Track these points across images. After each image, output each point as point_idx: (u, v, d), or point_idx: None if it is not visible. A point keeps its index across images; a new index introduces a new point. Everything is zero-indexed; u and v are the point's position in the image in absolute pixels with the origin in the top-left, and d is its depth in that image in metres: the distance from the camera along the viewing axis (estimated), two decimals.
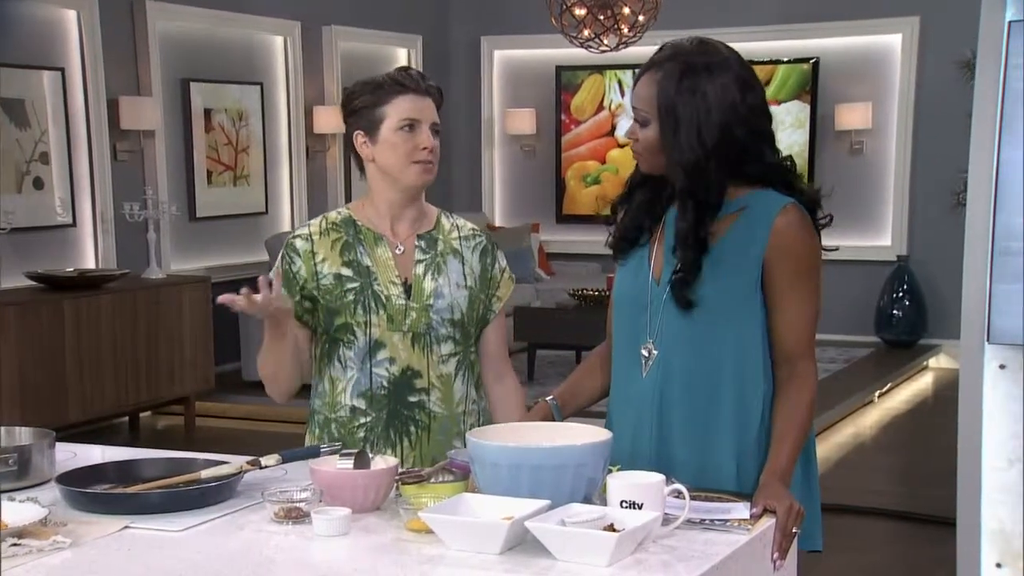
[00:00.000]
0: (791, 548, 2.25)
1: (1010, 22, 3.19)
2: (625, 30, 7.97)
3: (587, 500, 2.16)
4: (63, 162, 7.36)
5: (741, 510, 2.21)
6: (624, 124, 9.97)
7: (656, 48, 2.45)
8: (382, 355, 2.68)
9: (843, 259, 8.45)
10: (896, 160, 9.57)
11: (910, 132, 9.48)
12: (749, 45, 9.31)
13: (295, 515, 2.20)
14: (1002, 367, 3.25)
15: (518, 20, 10.32)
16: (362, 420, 2.70)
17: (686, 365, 2.42)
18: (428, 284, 2.71)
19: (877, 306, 9.56)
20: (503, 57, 10.75)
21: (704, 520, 2.17)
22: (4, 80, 6.95)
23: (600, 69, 10.27)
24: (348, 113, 2.73)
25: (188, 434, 7.40)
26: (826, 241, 2.47)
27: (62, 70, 7.34)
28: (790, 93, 9.77)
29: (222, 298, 2.48)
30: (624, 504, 2.10)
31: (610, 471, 2.20)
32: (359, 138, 2.70)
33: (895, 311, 9.48)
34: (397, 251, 2.72)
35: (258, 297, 2.47)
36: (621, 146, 10.22)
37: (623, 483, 2.13)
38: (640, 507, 2.09)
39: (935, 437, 7.04)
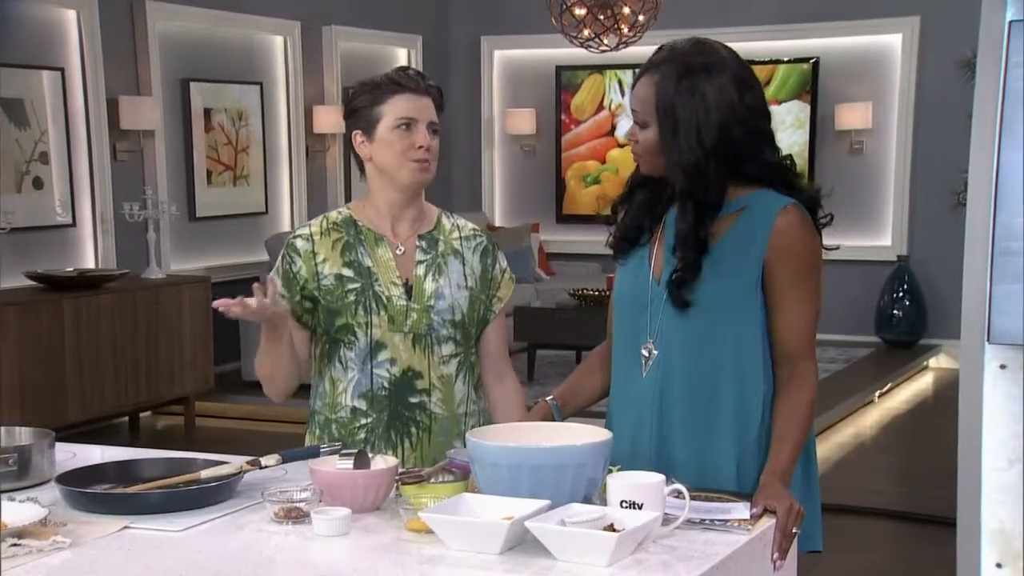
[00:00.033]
0: (791, 548, 2.25)
1: (1010, 22, 3.19)
2: (625, 30, 7.97)
3: (587, 500, 2.15)
4: (63, 162, 7.36)
5: (741, 510, 2.21)
6: (624, 124, 9.97)
7: (655, 49, 2.45)
8: (383, 356, 2.68)
9: (843, 259, 8.48)
10: (896, 160, 9.57)
11: (910, 132, 9.48)
12: (749, 45, 9.31)
13: (295, 515, 2.20)
14: (1002, 367, 3.25)
15: (518, 20, 10.32)
16: (363, 421, 2.70)
17: (686, 365, 2.42)
18: (429, 285, 2.71)
19: (877, 306, 9.56)
20: (503, 57, 10.75)
21: (704, 520, 2.17)
22: (4, 80, 6.95)
23: (600, 69, 10.27)
24: (348, 113, 2.74)
25: (188, 434, 7.39)
26: (826, 240, 2.47)
27: (62, 70, 7.34)
28: (790, 93, 9.77)
29: (217, 303, 2.48)
30: (624, 504, 2.10)
31: (610, 471, 2.20)
32: (357, 137, 2.71)
33: (895, 311, 9.48)
34: (398, 251, 2.72)
35: (252, 301, 2.47)
36: (621, 146, 10.22)
37: (623, 483, 2.13)
38: (640, 507, 2.09)
39: (935, 437, 7.04)
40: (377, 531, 2.17)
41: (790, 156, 2.49)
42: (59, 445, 2.59)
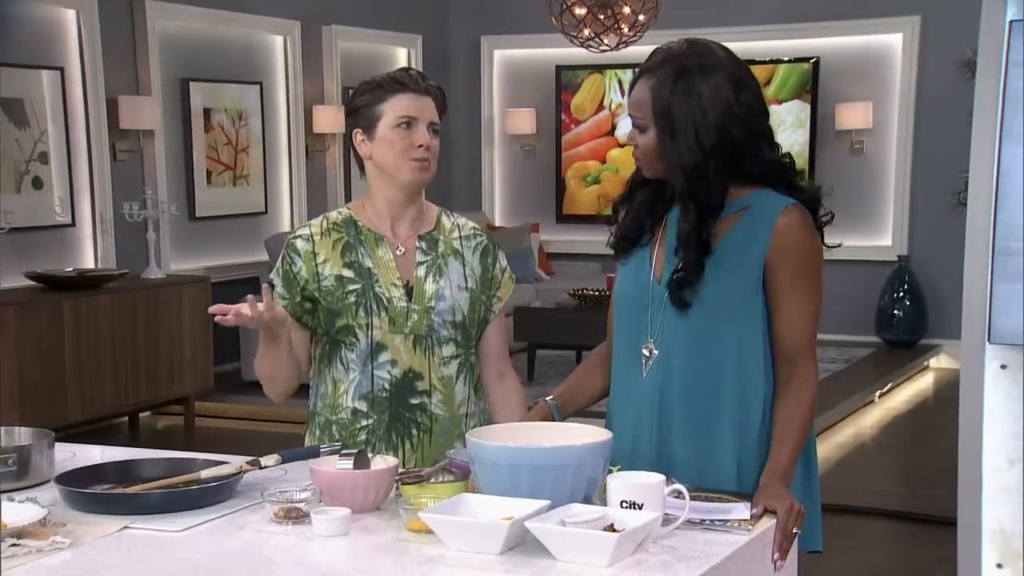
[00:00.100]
0: (791, 548, 2.25)
1: (1011, 22, 3.18)
2: (625, 29, 7.96)
3: (587, 500, 2.15)
4: (62, 162, 7.36)
5: (741, 510, 2.21)
6: (624, 124, 9.96)
7: (649, 53, 2.45)
8: (384, 357, 2.68)
9: (844, 259, 8.48)
10: (897, 160, 9.56)
11: (911, 132, 9.48)
12: (749, 44, 9.33)
13: (295, 515, 2.20)
14: (1003, 367, 3.25)
15: (518, 20, 10.32)
16: (363, 423, 2.69)
17: (687, 365, 2.42)
18: (429, 286, 2.70)
19: (878, 306, 9.56)
20: (503, 57, 10.75)
21: (704, 520, 2.16)
22: (3, 80, 6.94)
23: (600, 68, 10.27)
24: (349, 112, 2.74)
25: (188, 434, 7.39)
26: (828, 239, 2.47)
27: (61, 70, 7.33)
28: (790, 93, 9.77)
29: (212, 309, 2.47)
30: (624, 504, 2.10)
31: (610, 471, 2.19)
32: (358, 136, 2.70)
33: (896, 311, 9.48)
34: (398, 252, 2.72)
35: (246, 310, 2.46)
36: (621, 146, 10.22)
37: (623, 483, 2.13)
38: (640, 507, 2.09)
39: (936, 437, 7.04)
40: (377, 531, 2.17)
41: (789, 154, 2.48)
42: (59, 445, 2.59)
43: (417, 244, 2.74)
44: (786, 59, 9.77)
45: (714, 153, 2.35)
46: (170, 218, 7.90)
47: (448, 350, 2.71)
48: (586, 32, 8.03)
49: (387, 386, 2.68)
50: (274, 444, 2.93)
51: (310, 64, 9.26)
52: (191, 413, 7.47)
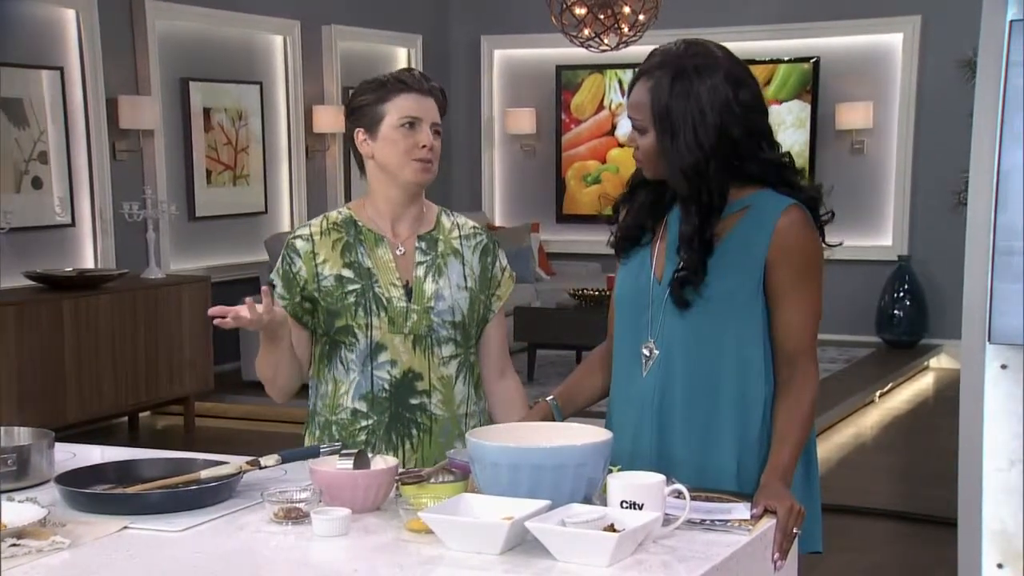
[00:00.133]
0: (792, 548, 2.24)
1: (1011, 21, 3.18)
2: (625, 29, 7.96)
3: (587, 500, 2.15)
4: (62, 161, 7.36)
5: (742, 510, 2.21)
6: (624, 123, 9.96)
7: (647, 55, 2.45)
8: (383, 357, 2.67)
9: (844, 259, 8.49)
10: (897, 160, 9.56)
11: (911, 132, 9.48)
12: (749, 44, 9.33)
13: (295, 515, 2.20)
14: (1003, 367, 3.24)
15: (518, 19, 10.32)
16: (363, 423, 2.69)
17: (687, 365, 2.41)
18: (429, 286, 2.70)
19: (878, 306, 9.56)
20: (503, 56, 10.75)
21: (704, 520, 2.16)
22: (3, 79, 6.94)
23: (600, 68, 10.27)
24: (350, 111, 2.73)
25: (187, 434, 7.39)
26: (828, 238, 2.47)
27: (61, 69, 7.33)
28: (791, 92, 9.76)
29: (212, 311, 2.47)
30: (624, 504, 2.10)
31: (610, 471, 2.19)
32: (359, 135, 2.70)
33: (896, 311, 9.48)
34: (398, 252, 2.72)
35: (245, 313, 2.46)
36: (621, 145, 10.22)
37: (623, 483, 2.13)
38: (640, 507, 2.08)
39: (936, 437, 7.04)
40: (377, 531, 2.16)
41: (788, 154, 2.48)
42: (58, 445, 2.59)
43: (417, 244, 2.73)
44: (786, 59, 9.77)
45: (714, 153, 2.35)
46: (170, 218, 7.90)
47: (447, 350, 2.70)
48: (586, 32, 8.03)
49: (387, 386, 2.68)
50: (274, 444, 2.93)
51: (310, 64, 9.26)
52: (191, 413, 7.47)
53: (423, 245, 2.74)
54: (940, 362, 9.40)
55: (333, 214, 2.77)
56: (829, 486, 4.65)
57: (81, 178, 7.48)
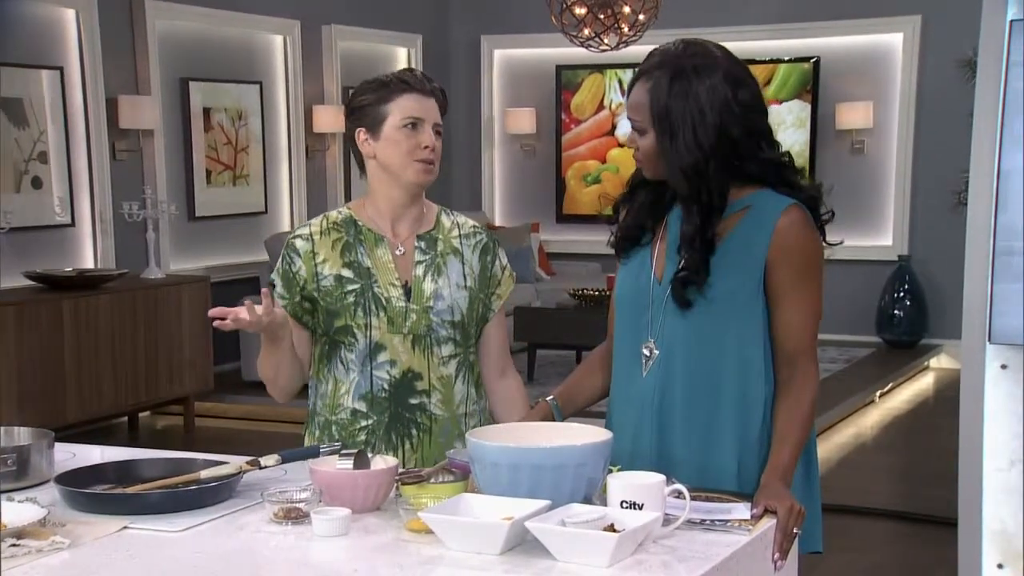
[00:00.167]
0: (792, 549, 2.24)
1: (1011, 21, 3.18)
2: (625, 29, 7.96)
3: (587, 500, 2.15)
4: (62, 161, 7.36)
5: (742, 510, 2.21)
6: (624, 123, 9.96)
7: (646, 55, 2.45)
8: (383, 357, 2.67)
9: (844, 259, 8.49)
10: (897, 160, 9.56)
11: (911, 132, 9.48)
12: (749, 44, 9.33)
13: (295, 515, 2.20)
14: (1003, 367, 3.24)
15: (518, 19, 10.31)
16: (363, 423, 2.69)
17: (687, 365, 2.41)
18: (428, 286, 2.70)
19: (878, 306, 9.56)
20: (503, 56, 10.75)
21: (705, 520, 2.16)
22: (3, 79, 6.94)
23: (600, 68, 10.27)
24: (351, 111, 2.72)
25: (187, 434, 7.39)
26: (829, 237, 2.47)
27: (61, 69, 7.33)
28: (791, 92, 9.76)
29: (212, 312, 2.47)
30: (624, 504, 2.10)
31: (610, 471, 2.19)
32: (361, 135, 2.70)
33: (896, 311, 9.48)
34: (397, 252, 2.71)
35: (244, 315, 2.46)
36: (621, 145, 10.22)
37: (623, 483, 2.13)
38: (640, 507, 2.08)
39: (936, 437, 7.04)
40: (377, 531, 2.16)
41: (788, 153, 2.48)
42: (58, 445, 2.59)
43: (416, 244, 2.73)
44: (786, 59, 9.77)
45: (713, 153, 2.35)
46: (170, 218, 7.90)
47: (447, 349, 2.70)
48: (586, 32, 8.03)
49: (386, 386, 2.68)
50: (274, 444, 2.93)
51: (310, 64, 9.26)
52: (191, 413, 7.47)
53: (422, 245, 2.73)
54: (940, 362, 9.40)
55: (333, 214, 2.77)
56: (829, 486, 4.65)
57: (81, 178, 7.48)
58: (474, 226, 2.82)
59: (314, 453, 2.40)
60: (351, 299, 2.66)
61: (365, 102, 2.69)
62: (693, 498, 2.13)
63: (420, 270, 2.71)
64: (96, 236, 7.56)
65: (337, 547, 2.10)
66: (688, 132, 2.34)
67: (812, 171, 9.59)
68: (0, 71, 6.93)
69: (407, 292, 2.69)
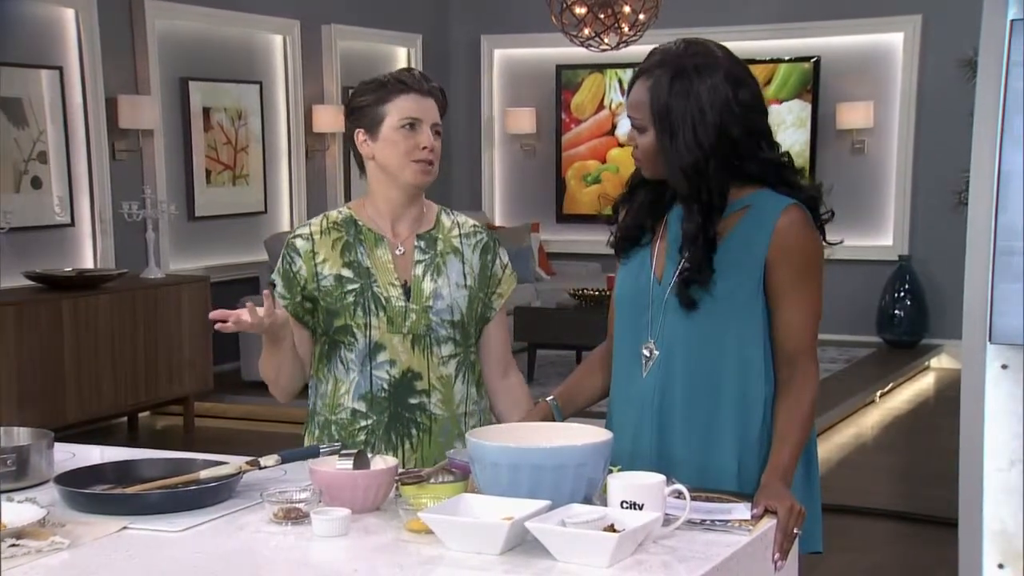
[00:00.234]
0: (792, 549, 2.24)
1: (1012, 21, 3.18)
2: (626, 29, 7.96)
3: (587, 500, 2.15)
4: (61, 161, 7.35)
5: (742, 511, 2.20)
6: (624, 123, 9.96)
7: (647, 53, 2.45)
8: (382, 357, 2.67)
9: (845, 259, 8.48)
10: (898, 159, 9.56)
11: (912, 131, 9.47)
12: (750, 44, 9.33)
13: (294, 516, 2.19)
14: (1004, 367, 3.24)
15: (518, 19, 10.31)
16: (363, 423, 2.68)
17: (688, 365, 2.41)
18: (427, 285, 2.69)
19: (879, 306, 9.56)
20: (503, 56, 10.75)
21: (705, 521, 2.16)
22: (3, 79, 6.94)
23: (600, 68, 10.27)
24: (350, 111, 2.72)
25: (187, 434, 7.39)
26: (829, 237, 2.47)
27: (60, 69, 7.33)
28: (791, 92, 9.76)
29: (213, 314, 2.47)
30: (624, 504, 2.10)
31: (610, 471, 2.19)
32: (360, 136, 2.70)
33: (897, 311, 9.47)
34: (397, 252, 2.71)
35: (246, 316, 2.46)
36: (621, 145, 10.22)
37: (623, 483, 2.12)
38: (641, 508, 2.08)
39: (937, 437, 7.04)
40: (377, 531, 2.16)
41: (788, 153, 2.48)
42: (58, 445, 2.59)
43: (416, 243, 2.73)
44: (786, 58, 9.76)
45: (713, 152, 2.35)
46: (169, 218, 7.89)
47: (447, 349, 2.70)
48: (586, 31, 8.03)
49: (386, 386, 2.67)
50: (274, 444, 2.93)
51: (310, 64, 9.26)
52: (190, 413, 7.47)
53: (422, 244, 2.73)
54: (941, 362, 9.40)
55: (333, 213, 2.76)
56: (830, 486, 4.64)
57: (80, 178, 7.47)
58: (474, 225, 2.82)
59: (314, 453, 2.40)
60: (351, 299, 2.66)
61: (363, 103, 2.69)
62: (693, 498, 2.13)
63: (420, 270, 2.71)
64: (96, 236, 7.56)
65: (337, 547, 2.10)
66: (688, 131, 2.34)
67: (812, 171, 9.59)
68: (0, 71, 6.92)
69: (407, 292, 2.69)
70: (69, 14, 7.39)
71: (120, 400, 6.98)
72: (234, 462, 2.39)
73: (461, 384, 2.72)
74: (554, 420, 2.53)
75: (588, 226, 10.23)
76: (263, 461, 2.39)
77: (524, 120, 10.58)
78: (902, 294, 9.45)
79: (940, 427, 7.21)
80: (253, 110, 8.78)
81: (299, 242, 2.72)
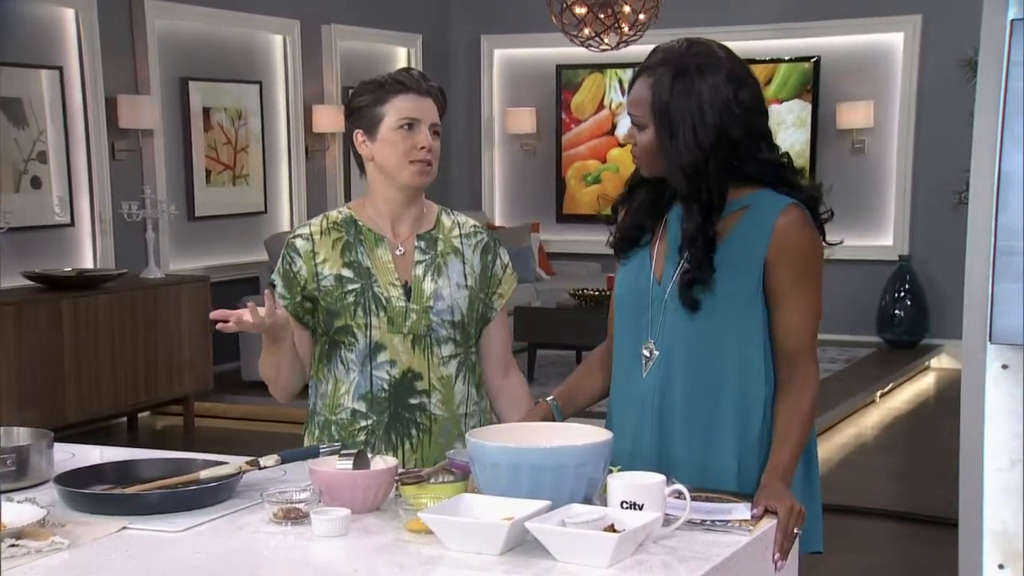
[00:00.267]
0: (792, 549, 2.24)
1: (1012, 21, 3.18)
2: (626, 28, 7.96)
3: (587, 500, 2.14)
4: (61, 161, 7.35)
5: (742, 511, 2.20)
6: (625, 123, 9.95)
7: (650, 51, 2.45)
8: (382, 357, 2.67)
9: (845, 259, 8.48)
10: (898, 159, 9.56)
11: (912, 131, 9.47)
12: (750, 44, 9.33)
13: (294, 516, 2.19)
14: (1004, 367, 3.24)
15: (518, 19, 10.31)
16: (363, 423, 2.68)
17: (688, 365, 2.41)
18: (428, 286, 2.69)
19: (879, 306, 9.56)
20: (503, 56, 10.75)
21: (705, 521, 2.16)
22: (2, 79, 6.94)
23: (600, 68, 10.27)
24: (349, 112, 2.72)
25: (187, 434, 7.38)
26: (829, 237, 2.46)
27: (60, 69, 7.33)
28: (791, 92, 9.76)
29: (214, 314, 2.47)
30: (625, 505, 2.09)
31: (610, 471, 2.19)
32: (359, 137, 2.69)
33: (897, 311, 9.47)
34: (397, 252, 2.71)
35: (247, 316, 2.45)
36: (621, 145, 10.21)
37: (624, 483, 2.12)
38: (641, 508, 2.08)
39: (937, 437, 7.04)
40: (377, 532, 2.16)
41: (787, 154, 2.48)
42: (57, 445, 2.59)
43: (416, 243, 2.73)
44: (787, 58, 9.76)
45: (713, 152, 2.35)
46: (169, 218, 7.89)
47: (447, 349, 2.70)
48: (586, 31, 8.03)
49: (386, 386, 2.67)
50: (273, 444, 2.92)
51: (310, 63, 9.25)
52: (190, 413, 7.47)
53: (422, 244, 2.73)
54: (941, 362, 9.39)
55: (333, 213, 2.76)
56: (830, 486, 4.64)
57: (80, 178, 7.47)
58: (475, 225, 2.81)
59: (314, 453, 2.39)
60: (351, 299, 2.66)
61: (362, 103, 2.69)
62: (693, 498, 2.13)
63: (420, 270, 2.70)
64: (95, 236, 7.55)
65: (337, 547, 2.10)
66: (688, 130, 2.34)
67: (812, 171, 9.59)
68: (0, 71, 6.92)
69: (407, 292, 2.68)
70: (69, 14, 7.39)
71: (120, 400, 6.98)
72: (234, 462, 2.39)
73: (462, 384, 2.72)
74: (554, 420, 2.53)
75: (588, 226, 10.23)
76: (263, 461, 2.39)
77: (524, 120, 10.58)
78: (902, 294, 9.45)
79: (940, 427, 7.21)
80: (253, 110, 8.78)
81: (299, 242, 2.71)
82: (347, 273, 2.68)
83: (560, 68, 10.48)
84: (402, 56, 10.21)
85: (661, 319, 2.43)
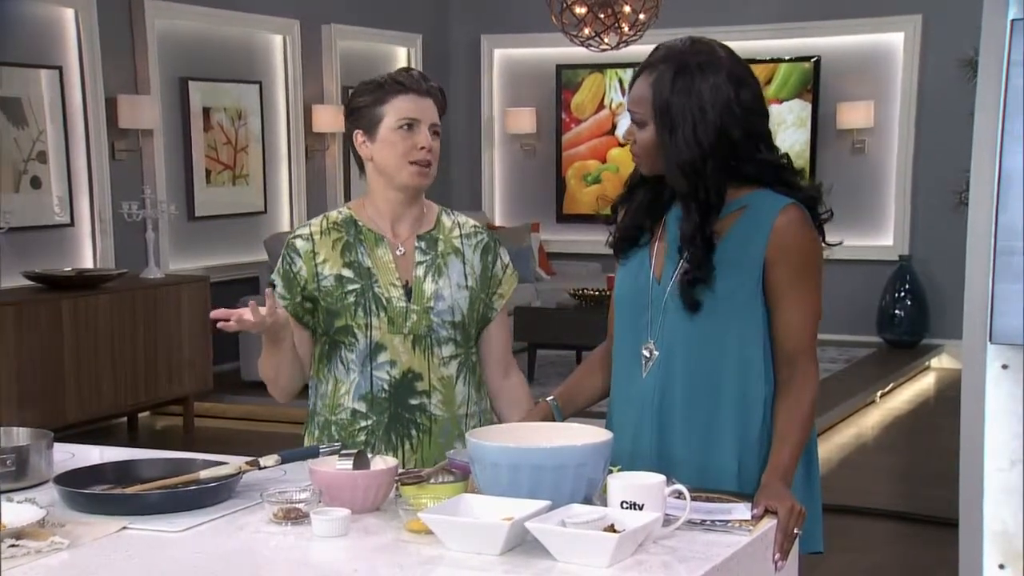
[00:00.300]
0: (792, 549, 2.24)
1: (1012, 20, 3.18)
2: (626, 28, 7.96)
3: (587, 501, 2.14)
4: (61, 161, 7.35)
5: (742, 511, 2.20)
6: (625, 123, 9.95)
7: (652, 49, 2.45)
8: (383, 358, 2.67)
9: (845, 259, 8.48)
10: (898, 159, 9.56)
11: (912, 131, 9.47)
12: (750, 43, 9.33)
13: (294, 516, 2.19)
14: (1004, 367, 3.24)
15: (518, 19, 10.31)
16: (363, 423, 2.68)
17: (687, 365, 2.41)
18: (428, 286, 2.69)
19: (879, 306, 9.56)
20: (503, 56, 10.75)
21: (705, 521, 2.16)
22: (2, 79, 6.94)
23: (600, 68, 10.27)
24: (349, 112, 2.72)
25: (187, 434, 7.38)
26: (828, 237, 2.46)
27: (60, 68, 7.33)
28: (791, 92, 9.76)
29: (215, 314, 2.47)
30: (625, 505, 2.09)
31: (611, 471, 2.19)
32: (358, 137, 2.69)
33: (897, 311, 9.47)
34: (398, 252, 2.71)
35: (248, 315, 2.45)
36: (621, 145, 10.21)
37: (624, 484, 2.12)
38: (641, 508, 2.08)
39: (937, 437, 7.04)
40: (377, 532, 2.16)
41: (786, 155, 2.48)
42: (57, 445, 2.58)
43: (416, 244, 2.73)
44: (787, 58, 9.76)
45: (712, 152, 2.35)
46: (169, 218, 7.89)
47: (447, 350, 2.70)
48: (586, 31, 8.03)
49: (386, 387, 2.67)
50: (273, 444, 2.92)
51: (310, 63, 9.25)
52: (190, 413, 7.46)
53: (423, 245, 2.73)
54: (941, 362, 9.39)
55: (333, 214, 2.76)
56: (830, 486, 4.64)
57: (80, 178, 7.47)
58: (475, 226, 2.81)
59: (314, 453, 2.39)
60: (351, 299, 2.66)
61: (362, 104, 2.68)
62: (693, 498, 2.13)
63: (420, 270, 2.70)
64: (95, 236, 7.55)
65: (337, 547, 2.10)
66: (688, 128, 2.34)
67: (813, 171, 9.59)
68: (0, 71, 6.92)
69: (407, 292, 2.68)
70: (69, 14, 7.39)
71: (120, 400, 6.98)
72: (234, 462, 2.39)
73: (462, 385, 2.72)
74: (554, 420, 2.53)
75: (588, 226, 10.23)
76: (263, 461, 2.39)
77: (524, 120, 10.58)
78: (902, 294, 9.44)
79: (940, 427, 7.21)
80: (253, 110, 8.78)
81: (299, 242, 2.71)
82: (347, 273, 2.68)
83: (560, 68, 10.48)
84: (402, 56, 10.21)
85: (661, 319, 2.43)
